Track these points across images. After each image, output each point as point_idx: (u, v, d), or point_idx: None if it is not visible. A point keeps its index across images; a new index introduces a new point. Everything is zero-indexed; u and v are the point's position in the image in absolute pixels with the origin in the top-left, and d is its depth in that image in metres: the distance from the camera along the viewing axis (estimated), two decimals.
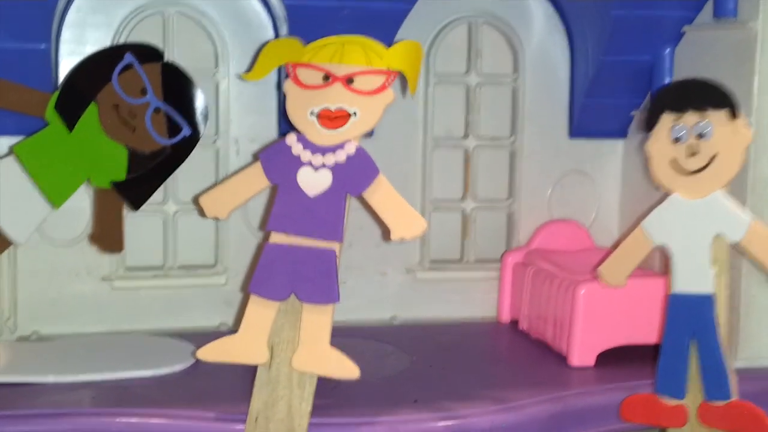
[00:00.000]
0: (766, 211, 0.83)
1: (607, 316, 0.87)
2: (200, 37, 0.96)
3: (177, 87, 0.83)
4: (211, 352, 0.75)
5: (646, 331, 0.86)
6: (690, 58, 0.92)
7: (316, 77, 0.74)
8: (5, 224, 0.82)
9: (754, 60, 0.83)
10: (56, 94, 0.82)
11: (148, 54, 0.83)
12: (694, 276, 0.76)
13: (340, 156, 0.73)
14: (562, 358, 0.89)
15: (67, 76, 0.83)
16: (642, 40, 0.93)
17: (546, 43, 1.02)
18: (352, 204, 0.74)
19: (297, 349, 0.73)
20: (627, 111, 1.00)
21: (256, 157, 0.75)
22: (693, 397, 0.77)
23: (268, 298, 0.73)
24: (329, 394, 0.78)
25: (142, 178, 0.83)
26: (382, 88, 0.73)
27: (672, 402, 0.77)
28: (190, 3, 0.95)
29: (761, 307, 0.86)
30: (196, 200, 0.82)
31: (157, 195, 0.95)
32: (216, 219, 0.79)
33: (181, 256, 0.98)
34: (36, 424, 0.74)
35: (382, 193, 0.73)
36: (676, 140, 0.76)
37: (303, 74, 0.74)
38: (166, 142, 0.83)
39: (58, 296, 0.95)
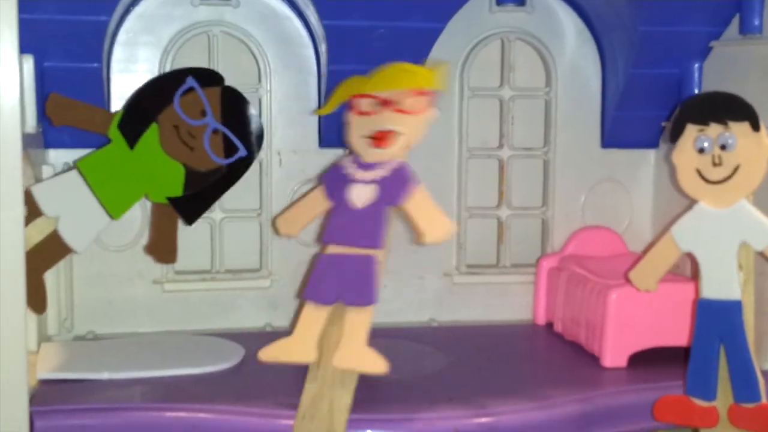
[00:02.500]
0: None
1: (638, 319, 0.89)
2: (244, 55, 0.99)
3: (235, 110, 0.86)
4: (270, 353, 0.79)
5: (677, 334, 0.88)
6: (717, 72, 0.94)
7: (369, 105, 0.80)
8: (66, 233, 0.86)
9: None
10: (120, 113, 0.85)
11: (208, 77, 0.86)
12: (721, 282, 0.78)
13: (386, 171, 0.78)
14: (595, 360, 0.91)
15: (131, 97, 0.86)
16: (670, 54, 0.95)
17: (577, 56, 1.05)
18: (394, 211, 0.78)
19: (338, 348, 0.77)
20: (658, 122, 1.02)
21: (319, 179, 0.80)
22: (723, 399, 0.78)
23: (319, 303, 0.78)
24: (370, 392, 0.81)
25: (197, 195, 0.87)
26: (425, 108, 0.78)
27: (703, 403, 0.79)
28: (234, 23, 0.98)
29: None
30: (274, 218, 0.87)
31: None
32: (288, 237, 0.84)
33: (227, 260, 1.02)
34: (90, 417, 0.77)
35: (417, 201, 0.77)
36: (701, 151, 0.77)
37: (361, 104, 0.80)
38: (222, 161, 0.86)
39: (112, 298, 0.99)
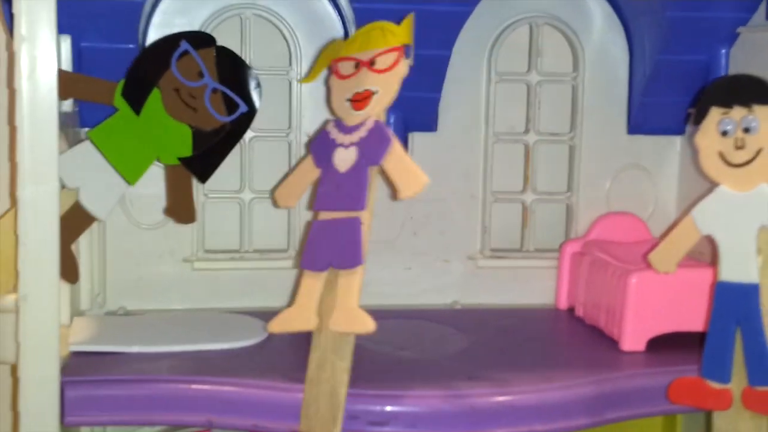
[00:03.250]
0: None
1: (657, 303, 0.90)
2: (275, 38, 1.01)
3: (230, 68, 0.88)
4: (276, 325, 0.80)
5: (695, 319, 0.88)
6: (744, 58, 0.95)
7: (349, 67, 0.82)
8: (88, 203, 0.88)
9: None
10: (122, 82, 0.87)
11: (201, 40, 0.88)
12: (739, 265, 0.78)
13: (363, 132, 0.79)
14: (614, 344, 0.92)
15: (130, 66, 0.88)
16: (697, 40, 0.95)
17: (605, 42, 1.05)
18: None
19: (333, 312, 0.78)
20: (684, 109, 1.02)
21: (306, 147, 0.81)
22: (738, 382, 0.79)
23: (314, 270, 0.79)
24: (391, 369, 0.84)
25: (207, 154, 0.88)
26: (395, 64, 0.79)
27: (717, 386, 0.79)
28: (266, 5, 1.00)
29: None
30: (272, 191, 0.88)
31: (235, 183, 1.02)
32: (288, 208, 0.84)
33: (255, 240, 1.04)
34: (118, 388, 0.80)
35: (393, 159, 0.78)
36: (724, 134, 0.78)
37: (341, 67, 0.82)
38: (225, 119, 0.88)
39: (143, 275, 1.02)
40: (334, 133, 0.81)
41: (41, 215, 0.75)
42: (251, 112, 0.89)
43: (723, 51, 0.97)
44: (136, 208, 1.00)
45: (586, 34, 1.05)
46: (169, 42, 0.88)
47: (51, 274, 0.76)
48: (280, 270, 1.03)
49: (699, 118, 0.80)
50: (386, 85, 0.79)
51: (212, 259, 1.03)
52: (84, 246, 0.97)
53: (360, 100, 0.80)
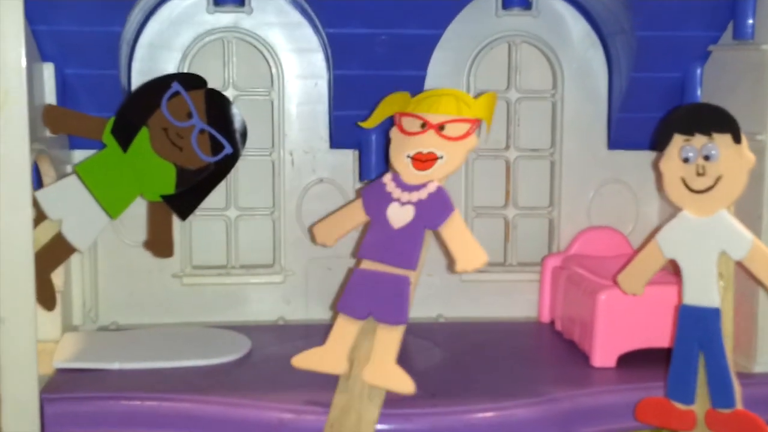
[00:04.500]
0: None
1: (628, 320, 0.91)
2: (257, 60, 1.04)
3: (219, 110, 0.90)
4: (302, 361, 0.82)
5: (667, 336, 0.87)
6: (715, 76, 0.95)
7: (415, 125, 0.82)
8: (70, 234, 0.91)
9: (765, 81, 0.86)
10: (112, 119, 0.90)
11: (192, 81, 0.90)
12: (701, 289, 0.79)
13: (423, 194, 0.80)
14: (586, 359, 0.93)
15: (121, 104, 0.91)
16: (669, 58, 0.96)
17: (584, 59, 1.06)
18: None
19: (369, 364, 0.80)
20: None
21: (359, 193, 0.83)
22: (701, 404, 0.80)
23: (352, 317, 0.81)
24: None
25: (189, 192, 0.91)
26: (466, 135, 0.80)
27: (682, 407, 0.81)
28: (249, 29, 1.02)
29: None
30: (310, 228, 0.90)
31: (220, 201, 1.05)
32: (324, 245, 0.86)
33: (242, 256, 1.06)
34: (96, 405, 0.82)
35: (453, 229, 0.80)
36: (686, 160, 0.79)
37: (405, 122, 0.83)
38: (210, 159, 0.90)
39: (134, 291, 1.05)
40: (391, 187, 0.82)
41: (16, 242, 0.78)
42: (235, 154, 0.91)
43: (698, 69, 0.97)
44: (126, 227, 1.03)
45: (564, 51, 1.06)
46: (161, 83, 0.91)
47: (27, 298, 0.79)
48: (266, 285, 1.06)
49: (662, 144, 0.81)
50: (453, 153, 0.80)
51: (200, 275, 1.06)
52: (76, 263, 1.00)
53: (423, 161, 0.81)
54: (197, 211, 1.03)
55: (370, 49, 0.94)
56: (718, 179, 0.78)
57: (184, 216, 0.93)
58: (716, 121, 0.78)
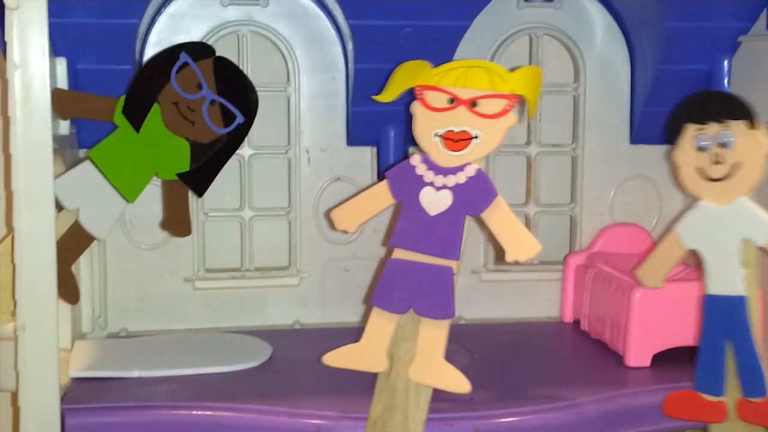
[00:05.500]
0: None
1: (662, 318, 0.89)
2: (273, 54, 1.01)
3: (228, 78, 0.87)
4: (335, 358, 0.78)
5: None
6: (746, 67, 0.94)
7: (442, 100, 0.75)
8: (88, 223, 0.87)
9: None
10: (122, 99, 0.87)
11: (200, 51, 0.87)
12: (725, 278, 0.79)
13: (461, 177, 0.75)
14: (619, 358, 0.91)
15: (131, 82, 0.87)
16: (697, 50, 0.95)
17: (607, 52, 1.04)
18: None
19: (414, 361, 0.76)
20: None
21: (383, 175, 0.78)
22: (732, 394, 0.79)
23: (389, 311, 0.76)
24: None
25: (203, 167, 0.87)
26: (504, 112, 0.74)
27: (712, 399, 0.80)
28: (263, 22, 0.99)
29: None
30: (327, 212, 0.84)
31: (235, 202, 1.02)
32: (345, 232, 0.81)
33: (257, 258, 1.03)
34: (118, 415, 0.79)
35: (499, 215, 0.75)
36: (700, 149, 0.79)
37: (430, 97, 0.75)
38: (222, 131, 0.87)
39: (145, 296, 1.01)
40: (422, 170, 0.76)
41: (38, 243, 0.75)
42: (248, 122, 0.87)
43: (725, 60, 0.96)
44: (136, 229, 1.00)
45: (586, 44, 1.04)
46: (168, 55, 0.87)
47: (49, 303, 0.75)
48: (282, 288, 1.03)
49: (674, 135, 0.80)
50: (491, 133, 0.74)
51: (213, 278, 1.02)
52: (84, 268, 0.97)
53: (456, 140, 0.75)
54: (210, 212, 1.01)
55: (394, 42, 0.91)
56: (735, 166, 0.77)
57: (200, 192, 0.89)
58: (730, 108, 0.78)
